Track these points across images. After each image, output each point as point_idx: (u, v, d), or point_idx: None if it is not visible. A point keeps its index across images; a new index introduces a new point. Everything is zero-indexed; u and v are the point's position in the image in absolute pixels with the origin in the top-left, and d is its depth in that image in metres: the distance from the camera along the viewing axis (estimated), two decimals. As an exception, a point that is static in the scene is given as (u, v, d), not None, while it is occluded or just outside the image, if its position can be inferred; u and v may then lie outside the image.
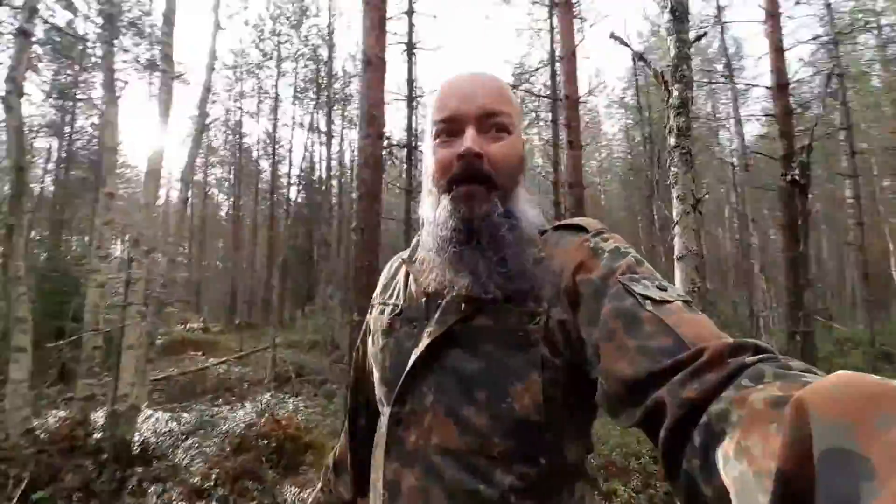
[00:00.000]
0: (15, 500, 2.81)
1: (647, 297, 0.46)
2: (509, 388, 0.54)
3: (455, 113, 0.59)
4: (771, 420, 0.28)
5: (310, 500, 0.77)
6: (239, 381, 7.11)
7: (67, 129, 13.09)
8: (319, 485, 0.89)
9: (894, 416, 0.23)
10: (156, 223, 5.51)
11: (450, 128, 0.59)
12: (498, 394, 0.54)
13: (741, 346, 0.38)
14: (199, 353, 9.37)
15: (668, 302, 0.46)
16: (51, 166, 14.09)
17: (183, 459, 3.73)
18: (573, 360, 0.54)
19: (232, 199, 20.29)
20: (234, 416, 5.01)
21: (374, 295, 0.76)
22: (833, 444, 0.23)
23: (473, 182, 0.58)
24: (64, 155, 13.34)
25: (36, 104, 12.28)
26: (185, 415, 4.96)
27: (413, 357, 0.59)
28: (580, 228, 0.61)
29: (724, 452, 0.31)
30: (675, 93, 2.37)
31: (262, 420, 4.28)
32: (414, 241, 0.72)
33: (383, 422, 0.63)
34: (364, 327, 0.79)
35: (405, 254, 0.73)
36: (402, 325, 0.64)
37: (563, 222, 0.64)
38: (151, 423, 4.48)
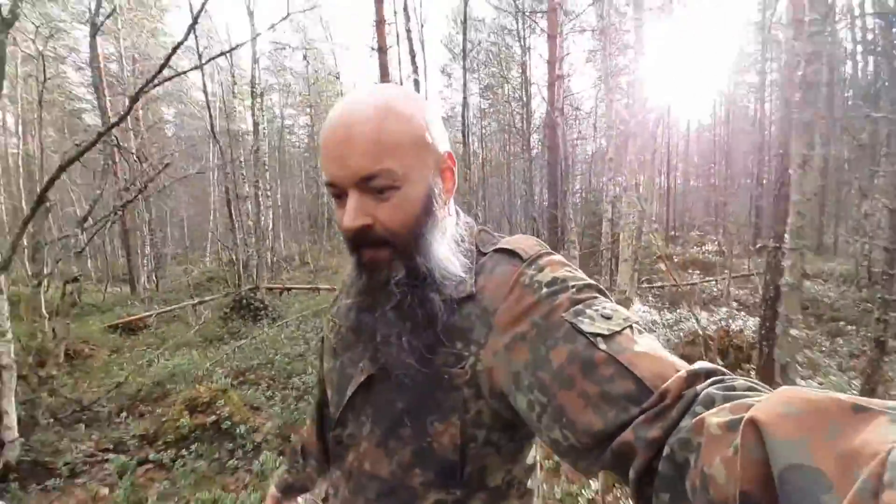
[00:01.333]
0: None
1: (597, 335, 0.44)
2: (429, 428, 0.54)
3: (333, 179, 0.52)
4: (729, 443, 0.29)
5: (274, 478, 0.92)
6: (725, 297, 7.76)
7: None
8: (285, 465, 0.87)
9: (840, 425, 0.24)
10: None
11: (335, 191, 0.53)
12: (420, 431, 0.55)
13: (695, 374, 0.39)
14: (697, 272, 10.54)
15: (618, 333, 0.44)
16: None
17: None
18: (497, 408, 0.53)
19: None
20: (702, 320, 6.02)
21: (333, 307, 0.74)
22: (790, 461, 0.24)
23: (372, 245, 0.54)
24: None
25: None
26: (667, 314, 6.55)
27: (350, 390, 0.60)
28: (514, 254, 0.56)
29: (692, 483, 0.31)
30: None
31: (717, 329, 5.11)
32: None
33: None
34: (329, 322, 0.74)
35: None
36: (345, 351, 0.64)
37: (500, 245, 0.59)
38: (637, 309, 6.42)
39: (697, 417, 0.33)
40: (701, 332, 3.49)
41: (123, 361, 5.06)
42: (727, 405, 0.32)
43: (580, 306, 0.47)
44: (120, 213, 4.92)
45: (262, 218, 11.20)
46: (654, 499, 0.36)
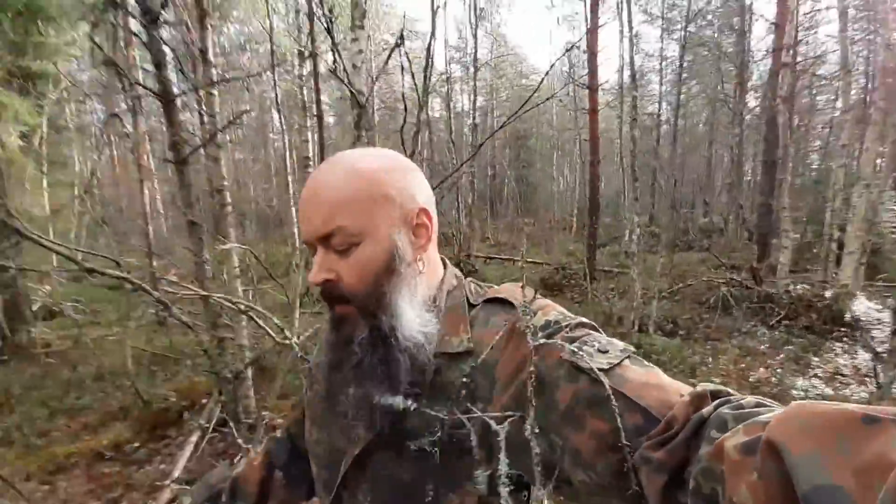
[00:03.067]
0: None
1: (598, 370, 0.43)
2: (442, 500, 0.51)
3: (304, 236, 0.54)
4: (750, 468, 0.28)
5: None
6: None
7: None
8: (199, 495, 0.73)
9: (853, 439, 0.24)
10: None
11: (310, 250, 0.55)
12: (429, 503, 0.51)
13: (699, 397, 0.38)
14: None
15: (617, 365, 0.44)
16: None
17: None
18: (510, 465, 0.48)
19: None
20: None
21: (315, 358, 0.69)
22: (814, 482, 0.24)
23: (337, 302, 0.54)
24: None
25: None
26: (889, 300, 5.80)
27: (343, 466, 0.56)
28: (506, 303, 0.56)
29: None
30: None
31: None
32: None
33: None
34: (309, 378, 0.70)
35: None
36: (332, 420, 0.59)
37: (491, 295, 0.58)
38: (861, 307, 5.84)
39: (716, 444, 0.33)
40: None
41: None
42: (740, 426, 0.32)
43: (576, 344, 0.47)
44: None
45: (464, 196, 13.27)
46: None
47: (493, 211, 21.68)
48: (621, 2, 9.83)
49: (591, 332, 0.51)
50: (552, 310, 0.55)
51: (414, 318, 0.54)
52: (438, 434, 0.51)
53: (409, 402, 0.51)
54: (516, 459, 0.46)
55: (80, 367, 4.42)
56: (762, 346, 4.96)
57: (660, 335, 5.15)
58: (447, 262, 0.63)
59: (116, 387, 3.94)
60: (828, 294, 5.77)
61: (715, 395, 0.39)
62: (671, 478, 0.36)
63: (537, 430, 0.45)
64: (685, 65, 15.35)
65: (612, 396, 0.41)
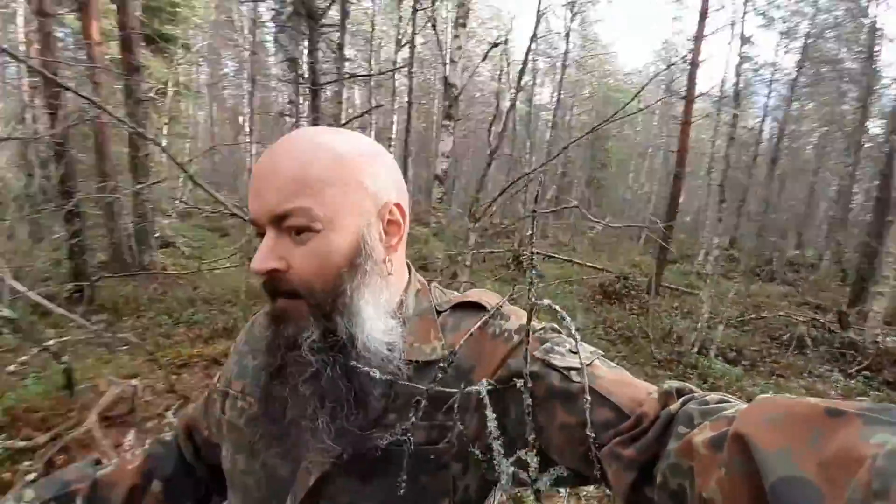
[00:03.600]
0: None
1: (570, 369, 0.44)
2: None
3: (252, 214, 0.46)
4: (719, 464, 0.28)
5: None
6: None
7: None
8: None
9: (819, 431, 0.25)
10: None
11: (257, 230, 0.47)
12: None
13: (666, 394, 0.39)
14: None
15: (588, 365, 0.44)
16: None
17: None
18: (486, 473, 0.48)
19: None
20: None
21: (226, 371, 0.61)
22: (780, 474, 0.24)
23: (283, 295, 0.47)
24: None
25: None
26: None
27: (292, 500, 0.48)
28: (476, 306, 0.53)
29: None
30: None
31: None
32: None
33: None
34: (210, 391, 0.63)
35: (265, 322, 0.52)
36: (269, 445, 0.50)
37: (459, 300, 0.55)
38: None
39: (684, 440, 0.33)
40: None
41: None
42: (707, 422, 0.33)
43: (549, 345, 0.47)
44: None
45: (531, 192, 13.25)
46: None
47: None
48: (737, 12, 9.17)
49: (562, 334, 0.51)
50: (518, 312, 0.53)
51: (377, 324, 0.48)
52: (411, 451, 0.45)
53: (379, 418, 0.47)
54: (509, 455, 0.45)
55: (198, 288, 5.25)
56: (833, 392, 4.68)
57: (720, 361, 5.02)
58: (411, 265, 0.58)
59: (221, 310, 4.69)
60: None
61: (680, 392, 0.40)
62: (640, 474, 0.37)
63: (528, 424, 0.43)
64: (800, 80, 13.97)
65: (585, 392, 0.41)
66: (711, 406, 0.35)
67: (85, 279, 4.28)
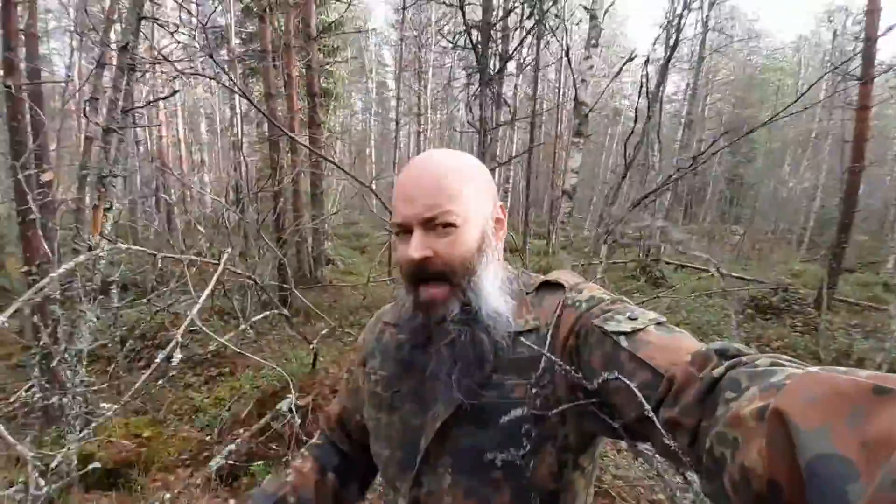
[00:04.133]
0: None
1: (620, 334, 0.49)
2: (526, 464, 0.55)
3: (402, 219, 0.58)
4: (761, 435, 0.29)
5: None
6: None
7: None
8: None
9: (862, 410, 0.24)
10: None
11: (401, 230, 0.59)
12: (515, 470, 0.55)
13: (705, 356, 0.41)
14: None
15: (641, 330, 0.49)
16: None
17: None
18: (580, 427, 0.56)
19: None
20: None
21: (360, 356, 0.75)
22: (816, 451, 0.24)
23: (432, 281, 0.58)
24: None
25: None
26: None
27: (424, 442, 0.59)
28: (558, 286, 0.62)
29: (731, 478, 0.32)
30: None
31: None
32: (399, 301, 0.70)
33: (398, 501, 0.63)
34: (349, 379, 0.79)
35: (388, 314, 0.74)
36: (404, 402, 0.63)
37: (542, 280, 0.65)
38: None
39: (732, 410, 0.33)
40: None
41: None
42: (756, 390, 0.33)
43: (609, 313, 0.53)
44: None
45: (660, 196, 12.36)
46: (698, 485, 0.37)
47: (688, 213, 19.27)
48: None
49: (630, 303, 0.56)
50: (598, 290, 0.60)
51: (497, 299, 0.60)
52: (520, 403, 0.56)
53: (492, 376, 0.57)
54: (582, 422, 0.55)
55: (366, 297, 6.34)
56: None
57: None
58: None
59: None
60: None
61: (723, 352, 0.40)
62: (689, 437, 0.38)
63: (588, 386, 0.50)
64: None
65: (629, 360, 0.47)
66: (760, 370, 0.35)
67: (287, 289, 5.55)
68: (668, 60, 4.32)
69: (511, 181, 11.63)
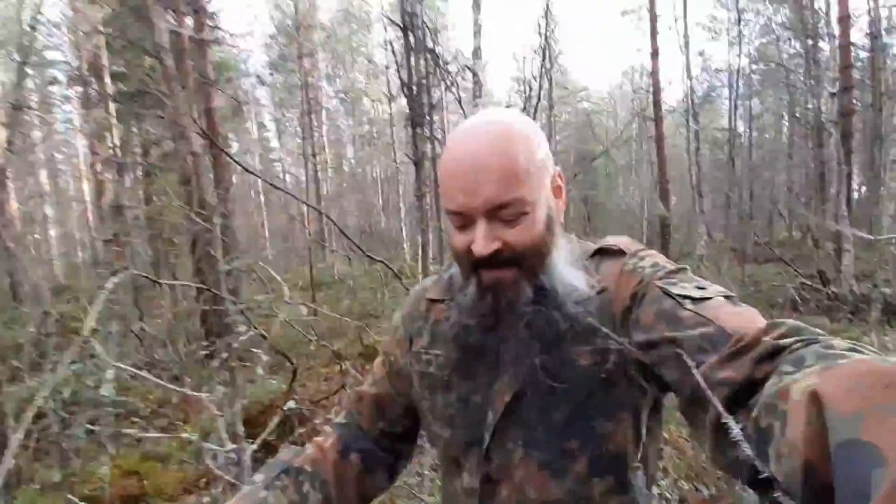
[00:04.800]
0: None
1: (685, 297, 0.47)
2: (601, 431, 0.55)
3: (462, 208, 0.53)
4: (804, 413, 0.29)
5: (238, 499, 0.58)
6: None
7: None
8: (266, 484, 0.62)
9: None
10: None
11: (460, 219, 0.54)
12: (591, 438, 0.55)
13: (774, 325, 0.40)
14: None
15: (708, 299, 0.46)
16: None
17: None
18: (648, 390, 0.55)
19: None
20: None
21: (403, 336, 0.71)
22: (846, 436, 0.25)
23: (497, 266, 0.55)
24: None
25: None
26: None
27: (491, 416, 0.58)
28: (618, 252, 0.60)
29: (778, 450, 0.31)
30: None
31: None
32: (444, 277, 0.68)
33: (464, 477, 0.62)
34: (386, 362, 0.73)
35: (432, 291, 0.69)
36: (462, 379, 0.61)
37: (599, 245, 0.62)
38: None
39: (784, 382, 0.33)
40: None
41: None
42: (817, 366, 0.32)
43: (674, 279, 0.51)
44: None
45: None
46: (732, 452, 0.35)
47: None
48: (677, 26, 10.86)
49: (696, 278, 0.53)
50: (658, 257, 0.58)
51: (569, 273, 0.57)
52: (590, 370, 0.54)
53: (563, 348, 0.55)
54: (648, 385, 0.54)
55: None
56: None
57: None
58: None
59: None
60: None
61: (798, 331, 0.39)
62: (733, 396, 0.37)
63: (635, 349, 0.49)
64: (756, 77, 15.47)
65: (692, 318, 0.45)
66: (830, 352, 0.33)
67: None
68: (535, 110, 5.71)
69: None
